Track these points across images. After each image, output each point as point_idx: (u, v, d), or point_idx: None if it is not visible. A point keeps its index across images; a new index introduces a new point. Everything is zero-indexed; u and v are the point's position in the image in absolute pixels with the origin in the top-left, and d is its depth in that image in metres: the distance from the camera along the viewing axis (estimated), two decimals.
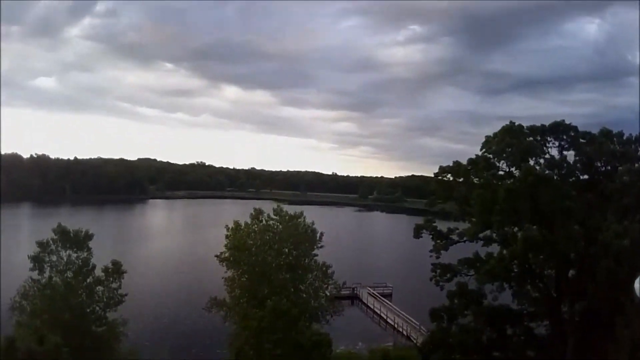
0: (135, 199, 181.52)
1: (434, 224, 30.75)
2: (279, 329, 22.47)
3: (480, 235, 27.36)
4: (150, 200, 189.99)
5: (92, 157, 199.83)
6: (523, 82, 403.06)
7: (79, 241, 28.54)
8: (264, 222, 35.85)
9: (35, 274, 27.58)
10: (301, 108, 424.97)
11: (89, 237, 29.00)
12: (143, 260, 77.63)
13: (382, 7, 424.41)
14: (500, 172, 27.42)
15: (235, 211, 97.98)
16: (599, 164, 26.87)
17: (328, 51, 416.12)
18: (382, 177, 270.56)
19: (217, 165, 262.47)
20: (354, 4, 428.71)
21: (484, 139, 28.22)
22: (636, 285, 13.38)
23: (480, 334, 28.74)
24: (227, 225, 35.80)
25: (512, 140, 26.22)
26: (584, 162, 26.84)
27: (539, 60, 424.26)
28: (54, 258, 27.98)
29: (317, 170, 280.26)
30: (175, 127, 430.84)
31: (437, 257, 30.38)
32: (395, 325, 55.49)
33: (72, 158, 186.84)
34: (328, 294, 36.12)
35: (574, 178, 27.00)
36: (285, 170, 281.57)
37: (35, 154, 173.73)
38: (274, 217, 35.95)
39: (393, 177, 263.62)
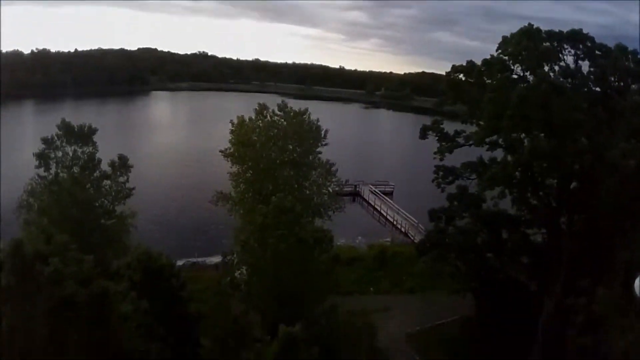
0: (138, 91, 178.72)
1: (441, 126, 30.26)
2: (283, 224, 23.10)
3: (487, 140, 27.02)
4: (153, 92, 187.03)
5: (93, 49, 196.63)
6: None
7: (84, 136, 28.40)
8: (268, 118, 35.49)
9: (41, 171, 27.76)
10: None
11: (93, 131, 28.80)
12: (148, 154, 78.32)
13: None
14: (514, 76, 26.34)
15: (239, 105, 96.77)
16: (612, 79, 26.04)
17: None
18: (390, 72, 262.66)
19: (220, 55, 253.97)
20: None
21: (498, 38, 26.92)
22: (636, 284, 13.32)
23: (475, 236, 29.68)
24: (231, 121, 35.51)
25: (529, 43, 24.92)
26: (597, 74, 25.98)
27: None
28: (60, 154, 28.00)
29: (324, 64, 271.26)
30: (176, 14, 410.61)
31: (441, 160, 30.35)
32: (395, 222, 57.50)
33: (72, 51, 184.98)
34: (331, 190, 36.93)
35: (586, 89, 26.10)
36: (291, 62, 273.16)
37: (36, 49, 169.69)
38: (279, 112, 35.50)
39: (402, 73, 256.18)
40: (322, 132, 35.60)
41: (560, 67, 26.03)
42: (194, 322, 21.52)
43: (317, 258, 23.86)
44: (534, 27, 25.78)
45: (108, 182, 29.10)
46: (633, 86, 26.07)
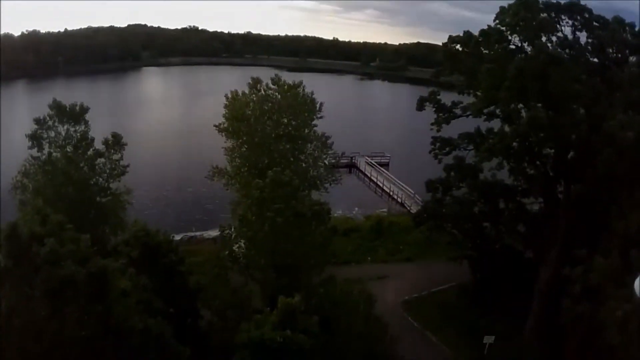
0: (129, 67, 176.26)
1: (438, 97, 29.99)
2: (280, 198, 23.07)
3: (484, 110, 26.84)
4: (144, 68, 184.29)
5: (83, 27, 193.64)
6: None
7: (75, 115, 28.25)
8: (262, 92, 35.03)
9: (34, 152, 27.69)
10: None
11: (84, 110, 28.59)
12: (142, 131, 77.72)
13: None
14: (512, 47, 26.02)
15: (232, 79, 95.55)
16: (610, 50, 25.87)
17: None
18: (385, 43, 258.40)
19: (210, 30, 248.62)
20: None
21: (495, 9, 26.52)
22: (636, 284, 13.28)
23: (472, 206, 29.80)
24: (226, 95, 35.07)
25: (527, 14, 24.59)
26: (595, 46, 25.81)
27: None
28: (52, 134, 28.04)
29: (317, 35, 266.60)
30: None
31: (438, 131, 30.20)
32: (391, 193, 57.73)
33: (62, 30, 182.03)
34: (327, 163, 36.85)
35: (583, 60, 25.89)
36: (283, 35, 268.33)
37: (26, 30, 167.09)
38: (273, 86, 35.03)
39: (397, 44, 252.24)
40: (317, 105, 35.26)
41: (558, 38, 25.75)
42: (193, 295, 21.74)
43: (314, 231, 23.93)
44: None
45: (102, 160, 29.03)
46: (631, 58, 25.96)
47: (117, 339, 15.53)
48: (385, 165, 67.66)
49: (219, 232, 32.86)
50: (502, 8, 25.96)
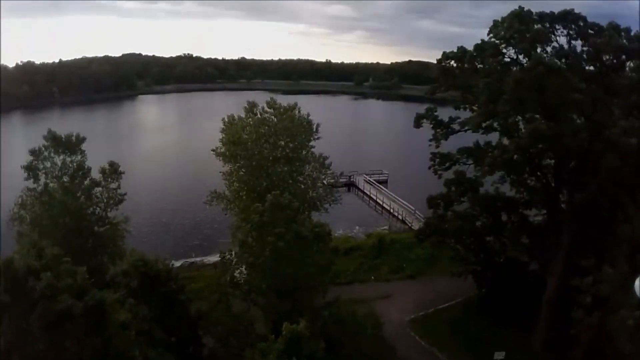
0: (124, 96, 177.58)
1: (435, 113, 30.00)
2: (280, 222, 22.76)
3: (482, 124, 26.77)
4: (140, 96, 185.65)
5: (77, 58, 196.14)
6: None
7: (72, 145, 28.06)
8: (258, 115, 35.06)
9: (30, 183, 27.46)
10: None
11: (80, 140, 28.44)
12: (140, 158, 77.65)
13: None
14: (507, 59, 26.09)
15: (228, 103, 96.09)
16: (606, 57, 25.84)
17: None
18: (377, 63, 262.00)
19: (205, 56, 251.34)
20: None
21: (483, 23, 26.69)
22: (636, 284, 13.15)
23: (475, 220, 29.54)
24: (222, 119, 35.09)
25: (521, 26, 24.66)
26: (591, 53, 25.80)
27: None
28: (48, 164, 27.75)
29: (310, 58, 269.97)
30: (158, 18, 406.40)
31: (437, 147, 30.09)
32: (391, 210, 57.41)
33: (57, 61, 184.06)
34: (325, 183, 36.64)
35: (580, 68, 25.92)
36: (277, 59, 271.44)
37: (21, 61, 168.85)
38: (268, 109, 35.06)
39: (389, 62, 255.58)
40: (314, 126, 35.25)
41: (553, 48, 25.80)
42: (194, 323, 21.26)
43: (316, 253, 23.58)
44: (525, 9, 25.48)
45: (99, 189, 28.75)
46: (629, 63, 25.87)
47: None
48: (384, 182, 67.56)
49: (219, 258, 32.53)
50: (495, 21, 26.10)
